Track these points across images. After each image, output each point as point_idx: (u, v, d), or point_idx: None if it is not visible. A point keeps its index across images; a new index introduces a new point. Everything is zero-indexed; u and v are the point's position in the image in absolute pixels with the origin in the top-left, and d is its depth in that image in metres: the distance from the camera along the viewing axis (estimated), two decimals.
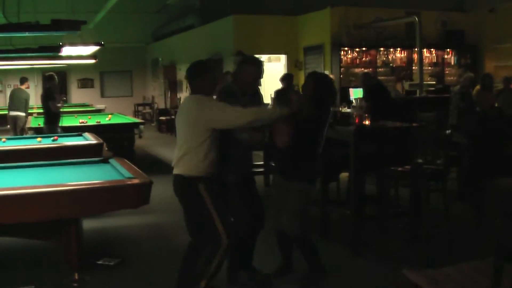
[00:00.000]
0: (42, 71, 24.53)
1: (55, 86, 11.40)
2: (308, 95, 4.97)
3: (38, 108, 16.75)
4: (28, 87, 14.84)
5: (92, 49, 11.49)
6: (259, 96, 5.19)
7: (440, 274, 3.02)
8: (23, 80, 14.43)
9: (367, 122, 6.32)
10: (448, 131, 6.56)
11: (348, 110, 10.13)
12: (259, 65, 4.94)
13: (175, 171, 4.57)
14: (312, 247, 5.12)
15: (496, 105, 8.81)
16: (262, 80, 4.99)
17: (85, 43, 10.84)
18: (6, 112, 14.80)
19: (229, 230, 4.48)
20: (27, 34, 6.49)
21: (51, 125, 10.71)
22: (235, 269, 5.08)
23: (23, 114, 13.92)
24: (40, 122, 11.89)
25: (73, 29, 5.71)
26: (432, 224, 6.00)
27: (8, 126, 15.66)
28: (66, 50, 10.80)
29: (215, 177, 4.58)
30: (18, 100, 13.97)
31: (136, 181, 5.16)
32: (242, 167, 4.95)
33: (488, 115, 7.55)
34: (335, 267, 5.51)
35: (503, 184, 4.35)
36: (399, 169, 6.04)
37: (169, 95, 22.51)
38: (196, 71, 4.68)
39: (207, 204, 4.43)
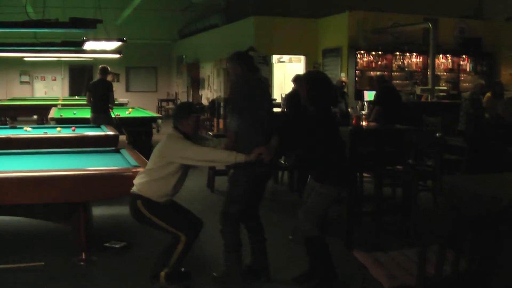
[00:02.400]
0: (69, 64, 25.18)
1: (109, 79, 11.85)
2: (304, 96, 5.07)
3: (63, 100, 17.35)
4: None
5: (115, 44, 11.88)
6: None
7: (385, 256, 3.35)
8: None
9: (364, 123, 6.64)
10: (438, 134, 6.82)
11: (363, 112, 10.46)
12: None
13: None
14: (325, 252, 5.05)
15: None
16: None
17: (109, 38, 11.26)
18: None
19: (182, 228, 4.85)
20: (46, 30, 6.88)
21: (99, 115, 11.06)
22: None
23: None
24: (62, 113, 12.36)
25: (89, 27, 6.11)
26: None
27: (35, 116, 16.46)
28: (89, 45, 11.21)
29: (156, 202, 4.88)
30: None
31: (140, 169, 5.54)
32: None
33: (488, 121, 7.82)
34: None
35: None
36: (389, 168, 6.33)
37: (191, 92, 22.92)
38: (180, 113, 4.99)
39: (147, 217, 4.85)
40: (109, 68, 11.74)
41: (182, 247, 4.84)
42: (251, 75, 5.19)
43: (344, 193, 5.67)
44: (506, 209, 3.06)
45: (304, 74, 5.28)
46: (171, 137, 4.90)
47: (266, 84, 5.30)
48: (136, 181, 4.95)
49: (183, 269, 5.07)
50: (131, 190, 4.95)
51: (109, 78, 15.91)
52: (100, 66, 11.70)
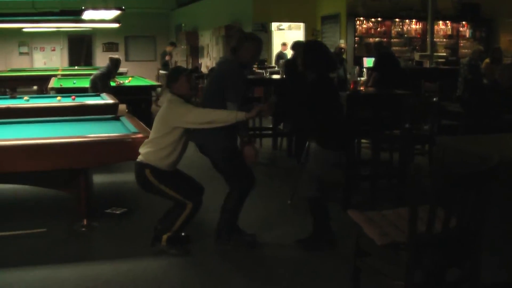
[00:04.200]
0: (68, 34, 25.11)
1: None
2: (301, 64, 5.17)
3: (63, 70, 17.36)
4: (171, 50, 18.79)
5: (113, 13, 11.88)
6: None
7: (378, 214, 3.42)
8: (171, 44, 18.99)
9: (361, 89, 6.67)
10: (435, 99, 6.87)
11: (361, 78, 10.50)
12: (259, 42, 5.18)
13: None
14: (325, 215, 5.16)
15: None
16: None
17: (107, 7, 11.25)
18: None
19: (190, 195, 4.93)
20: None
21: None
22: (229, 229, 5.29)
23: (164, 72, 16.95)
24: (62, 83, 12.39)
25: None
26: None
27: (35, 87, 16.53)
28: (88, 14, 11.21)
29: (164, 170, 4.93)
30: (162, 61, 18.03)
31: (139, 135, 5.61)
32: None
33: (486, 86, 7.83)
34: None
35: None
36: (387, 133, 6.38)
37: (191, 60, 22.87)
38: (170, 78, 5.03)
39: (156, 185, 4.90)
40: (120, 60, 11.84)
41: (187, 214, 4.92)
42: None
43: (343, 157, 5.72)
44: (495, 168, 3.14)
45: (300, 43, 5.28)
46: (171, 102, 4.93)
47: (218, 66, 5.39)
48: (141, 150, 4.98)
49: (183, 233, 5.16)
50: (137, 160, 4.99)
51: (168, 48, 18.39)
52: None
